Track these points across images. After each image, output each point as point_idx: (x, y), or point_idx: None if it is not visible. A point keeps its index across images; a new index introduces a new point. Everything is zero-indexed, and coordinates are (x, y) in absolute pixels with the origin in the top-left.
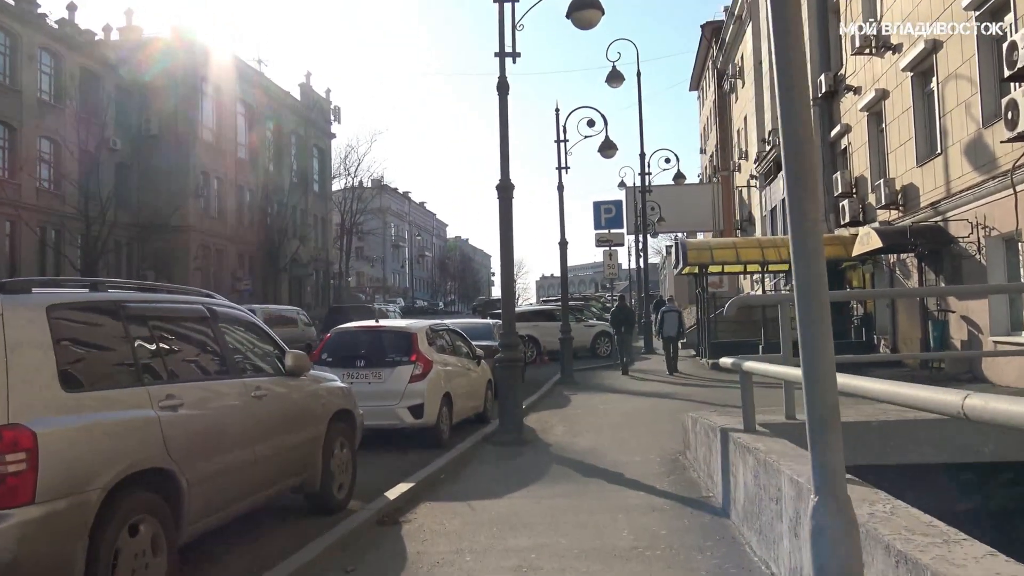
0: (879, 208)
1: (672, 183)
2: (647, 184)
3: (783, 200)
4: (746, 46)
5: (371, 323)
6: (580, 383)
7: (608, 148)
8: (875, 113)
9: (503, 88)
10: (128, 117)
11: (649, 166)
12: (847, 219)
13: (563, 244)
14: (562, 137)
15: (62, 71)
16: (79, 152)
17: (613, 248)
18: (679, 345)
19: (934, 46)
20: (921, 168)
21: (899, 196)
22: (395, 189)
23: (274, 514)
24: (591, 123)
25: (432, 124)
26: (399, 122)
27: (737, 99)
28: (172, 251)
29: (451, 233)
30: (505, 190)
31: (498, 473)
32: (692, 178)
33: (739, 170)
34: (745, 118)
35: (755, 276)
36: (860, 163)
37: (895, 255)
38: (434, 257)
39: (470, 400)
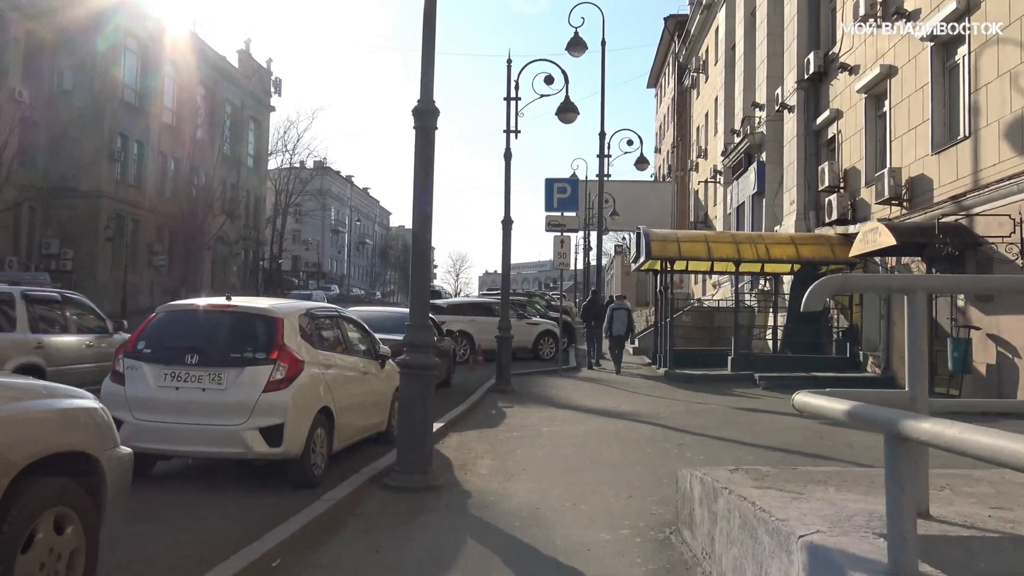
0: (877, 203)
1: (627, 180)
2: (605, 169)
3: (753, 195)
4: (714, 36)
5: (219, 300)
6: (519, 392)
7: (568, 111)
8: (876, 95)
9: None
10: (38, 67)
11: (609, 147)
12: (833, 216)
13: (507, 223)
14: (513, 95)
15: None
16: None
17: (566, 235)
18: (626, 345)
19: (968, 6)
20: (938, 156)
21: (904, 190)
22: (337, 172)
23: None
24: (549, 79)
25: (380, 112)
26: (346, 106)
27: (699, 95)
28: (81, 219)
29: (395, 222)
30: (424, 116)
31: (376, 561)
32: (646, 177)
33: (696, 169)
34: (707, 115)
35: (712, 279)
36: (852, 153)
37: (895, 259)
38: (375, 245)
39: (367, 416)
